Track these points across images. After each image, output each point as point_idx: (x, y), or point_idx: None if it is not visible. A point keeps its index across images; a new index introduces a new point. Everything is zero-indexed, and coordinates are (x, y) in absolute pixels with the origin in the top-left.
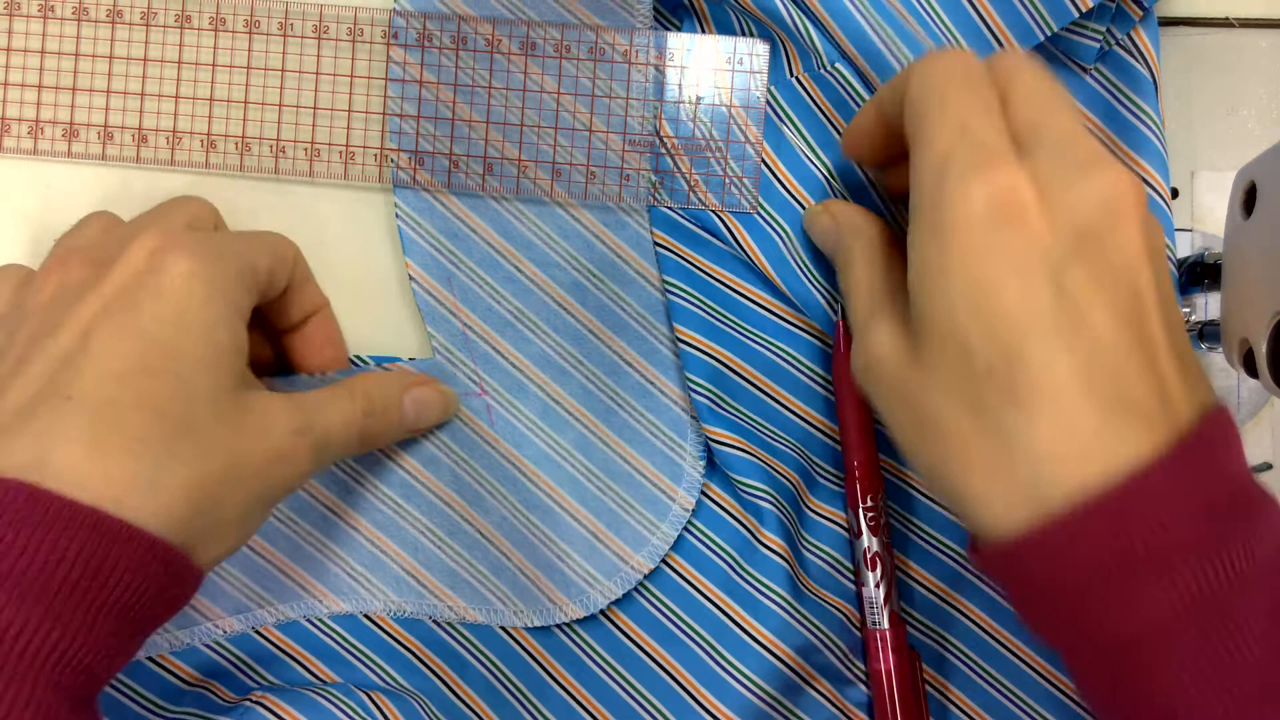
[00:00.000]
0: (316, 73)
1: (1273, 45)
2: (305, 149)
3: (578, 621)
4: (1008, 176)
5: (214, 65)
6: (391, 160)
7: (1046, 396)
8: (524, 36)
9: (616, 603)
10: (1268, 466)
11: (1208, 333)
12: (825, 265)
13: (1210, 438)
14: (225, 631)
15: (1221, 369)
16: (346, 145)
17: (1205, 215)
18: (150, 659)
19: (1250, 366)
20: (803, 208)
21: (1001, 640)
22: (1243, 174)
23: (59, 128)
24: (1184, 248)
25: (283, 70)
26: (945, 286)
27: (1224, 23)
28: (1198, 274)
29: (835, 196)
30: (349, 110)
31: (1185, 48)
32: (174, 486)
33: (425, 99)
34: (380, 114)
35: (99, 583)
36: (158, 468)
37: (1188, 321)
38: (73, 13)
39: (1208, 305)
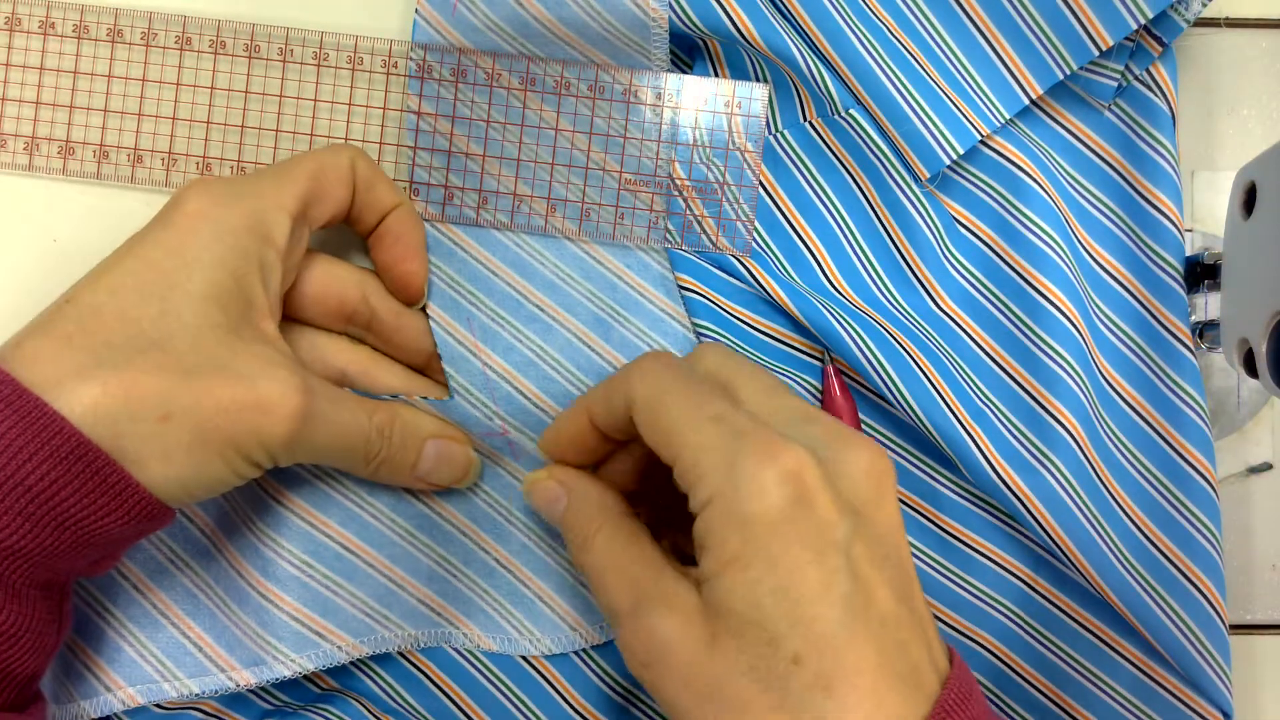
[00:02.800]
0: (315, 100)
1: (1273, 45)
2: None
3: (595, 647)
4: (793, 457)
5: (212, 88)
6: None
7: (855, 683)
8: (524, 71)
9: None
10: (1268, 466)
11: (1208, 333)
12: (850, 306)
13: (964, 689)
14: (238, 684)
15: (1221, 369)
16: None
17: (1205, 215)
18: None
19: (1250, 366)
20: (814, 255)
21: (1017, 669)
22: (1243, 174)
23: (55, 145)
24: (1184, 248)
25: (281, 96)
26: (750, 577)
27: (1224, 23)
28: (1198, 274)
29: (848, 238)
30: (346, 139)
31: (1185, 48)
32: (111, 382)
33: (423, 130)
34: (377, 143)
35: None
36: (101, 364)
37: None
38: (73, 30)
39: (1208, 305)
